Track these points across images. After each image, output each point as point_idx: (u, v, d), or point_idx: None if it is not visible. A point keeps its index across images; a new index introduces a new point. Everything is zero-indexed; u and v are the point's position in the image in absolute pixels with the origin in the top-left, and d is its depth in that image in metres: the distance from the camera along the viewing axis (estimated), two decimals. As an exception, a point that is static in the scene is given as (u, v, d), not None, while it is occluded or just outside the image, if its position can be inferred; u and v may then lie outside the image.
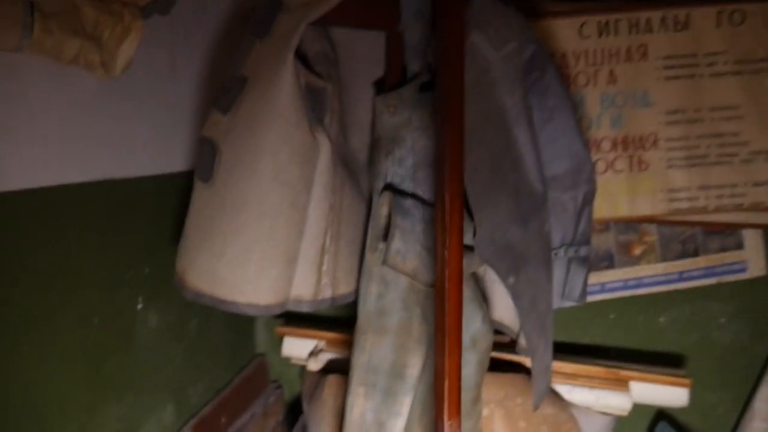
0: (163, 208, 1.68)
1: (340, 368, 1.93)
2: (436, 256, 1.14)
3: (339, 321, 2.23)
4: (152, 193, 1.61)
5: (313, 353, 1.99)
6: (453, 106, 1.08)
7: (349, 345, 1.95)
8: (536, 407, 1.49)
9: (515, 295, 1.28)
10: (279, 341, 2.18)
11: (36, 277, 1.27)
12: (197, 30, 1.74)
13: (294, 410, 2.32)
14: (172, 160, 1.69)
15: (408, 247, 1.30)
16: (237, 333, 2.18)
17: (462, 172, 1.11)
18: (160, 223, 1.66)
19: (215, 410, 1.93)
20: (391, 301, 1.36)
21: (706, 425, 2.11)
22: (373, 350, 1.37)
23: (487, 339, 1.39)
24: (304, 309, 1.42)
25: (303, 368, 2.12)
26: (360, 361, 1.38)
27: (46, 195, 1.28)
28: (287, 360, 2.23)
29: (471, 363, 1.35)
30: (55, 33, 1.27)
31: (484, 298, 1.47)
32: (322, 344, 2.00)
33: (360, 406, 1.37)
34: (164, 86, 1.63)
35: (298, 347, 2.04)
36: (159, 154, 1.63)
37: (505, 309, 1.56)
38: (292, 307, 1.42)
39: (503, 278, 1.28)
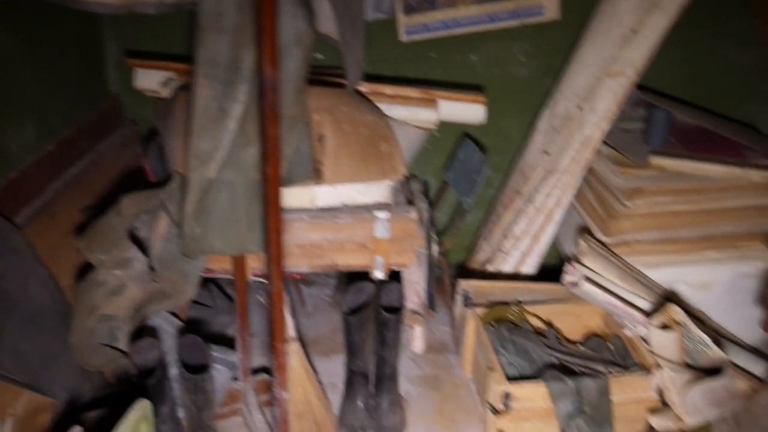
0: None
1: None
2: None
3: (186, 57, 2.38)
4: None
5: (165, 83, 2.15)
6: None
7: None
8: (350, 90, 1.74)
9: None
10: (130, 80, 2.31)
11: None
12: None
13: (148, 143, 2.52)
14: None
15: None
16: (89, 69, 2.30)
17: None
18: None
19: (75, 134, 2.10)
20: (227, 3, 1.53)
21: (502, 144, 2.56)
22: (212, 47, 1.55)
23: (309, 37, 1.61)
24: (148, 10, 1.57)
25: (156, 101, 2.29)
26: (203, 57, 1.55)
27: None
28: (141, 100, 2.38)
29: (296, 58, 1.59)
30: None
31: (309, 9, 1.67)
32: (172, 75, 2.17)
33: (204, 96, 1.57)
34: None
35: (149, 79, 2.19)
36: None
37: (328, 23, 1.79)
38: (137, 9, 1.57)
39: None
